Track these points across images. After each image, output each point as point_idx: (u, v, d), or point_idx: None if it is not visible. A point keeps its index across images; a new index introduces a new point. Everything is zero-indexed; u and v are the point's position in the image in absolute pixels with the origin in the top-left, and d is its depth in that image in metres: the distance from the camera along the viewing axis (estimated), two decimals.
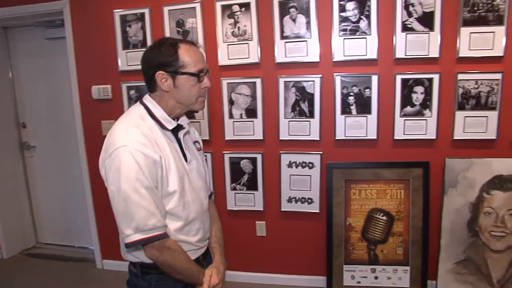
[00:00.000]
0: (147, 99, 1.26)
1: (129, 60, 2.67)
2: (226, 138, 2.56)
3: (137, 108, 1.26)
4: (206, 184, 1.40)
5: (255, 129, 2.52)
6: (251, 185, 2.58)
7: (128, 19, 2.63)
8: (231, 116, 2.54)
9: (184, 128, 1.31)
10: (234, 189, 2.62)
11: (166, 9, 2.56)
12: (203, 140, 2.50)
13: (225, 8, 2.47)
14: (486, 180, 2.36)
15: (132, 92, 2.68)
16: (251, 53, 2.47)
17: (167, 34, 2.56)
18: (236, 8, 2.46)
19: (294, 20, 2.41)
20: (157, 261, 1.19)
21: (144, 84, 1.29)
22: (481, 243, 2.42)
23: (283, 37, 2.43)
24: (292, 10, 2.41)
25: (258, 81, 2.47)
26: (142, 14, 2.60)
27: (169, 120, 1.25)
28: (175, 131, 1.27)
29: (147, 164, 1.12)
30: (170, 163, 1.19)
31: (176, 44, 1.20)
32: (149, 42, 2.59)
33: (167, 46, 1.20)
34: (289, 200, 2.55)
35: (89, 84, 2.77)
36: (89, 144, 2.87)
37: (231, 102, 2.53)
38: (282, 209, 2.57)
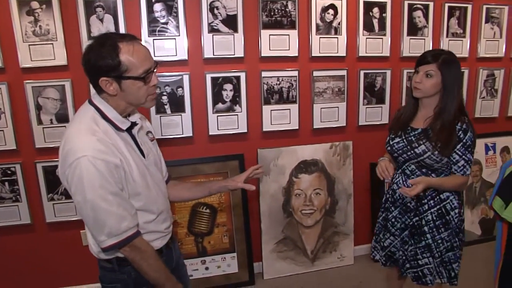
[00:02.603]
0: (97, 99, 1.22)
1: None
2: (36, 146, 2.36)
3: (88, 110, 1.21)
4: (162, 174, 1.44)
5: None
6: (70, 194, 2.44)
7: None
8: (40, 122, 2.35)
9: (138, 124, 1.30)
10: (52, 199, 2.44)
11: None
12: (9, 150, 2.35)
13: (22, 4, 2.25)
14: (294, 166, 2.67)
15: None
16: (57, 54, 2.31)
17: None
18: (35, 5, 2.27)
19: (101, 20, 2.34)
20: (128, 257, 1.23)
21: None
22: (295, 221, 2.72)
23: (91, 37, 2.33)
24: (98, 9, 2.33)
25: (67, 84, 2.33)
26: None
27: (122, 120, 1.24)
28: (129, 129, 1.26)
29: (109, 169, 1.13)
30: (131, 164, 1.20)
31: (117, 46, 1.14)
32: None
33: (107, 48, 1.13)
34: None
35: None
36: None
37: (39, 107, 2.34)
38: None
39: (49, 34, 2.30)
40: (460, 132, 1.60)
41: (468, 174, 1.64)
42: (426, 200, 1.71)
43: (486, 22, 2.97)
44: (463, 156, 1.62)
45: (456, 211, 1.70)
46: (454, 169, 1.64)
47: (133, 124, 1.29)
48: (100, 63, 1.14)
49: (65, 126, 2.37)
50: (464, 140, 1.60)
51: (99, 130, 1.17)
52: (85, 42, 2.31)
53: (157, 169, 1.38)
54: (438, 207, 1.70)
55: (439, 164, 1.65)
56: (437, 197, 1.70)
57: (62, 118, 2.36)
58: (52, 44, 2.30)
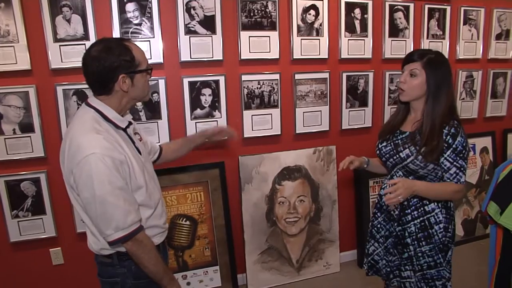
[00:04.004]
0: (95, 101, 1.27)
1: None
2: None
3: (88, 112, 1.26)
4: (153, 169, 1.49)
5: (34, 145, 2.19)
6: (37, 210, 2.25)
7: None
8: (1, 132, 2.15)
9: (132, 124, 1.37)
10: (17, 216, 2.23)
11: None
12: None
13: None
14: (277, 173, 2.57)
15: None
16: (19, 57, 2.12)
17: None
18: None
19: (68, 21, 2.17)
20: (129, 250, 1.26)
21: None
22: (279, 230, 2.62)
23: (57, 39, 2.16)
24: (65, 9, 2.16)
25: (31, 91, 2.14)
26: None
27: (121, 119, 1.30)
28: (125, 128, 1.32)
29: (115, 166, 1.18)
30: (132, 160, 1.26)
31: (125, 44, 1.24)
32: None
33: (119, 48, 1.22)
34: None
35: None
36: None
37: None
38: (78, 231, 2.31)
39: (9, 36, 2.10)
40: (448, 137, 1.49)
41: (462, 182, 1.50)
42: (409, 210, 1.59)
43: (464, 24, 2.98)
44: (455, 163, 1.49)
45: (441, 225, 1.58)
46: (446, 177, 1.51)
47: (130, 123, 1.35)
48: (118, 62, 1.21)
49: (30, 136, 2.18)
50: (454, 146, 1.48)
51: (102, 129, 1.22)
52: (51, 45, 2.14)
53: (150, 164, 1.46)
54: (421, 219, 1.58)
55: (424, 170, 1.53)
56: (422, 208, 1.58)
57: (27, 127, 2.17)
58: (13, 46, 2.11)
